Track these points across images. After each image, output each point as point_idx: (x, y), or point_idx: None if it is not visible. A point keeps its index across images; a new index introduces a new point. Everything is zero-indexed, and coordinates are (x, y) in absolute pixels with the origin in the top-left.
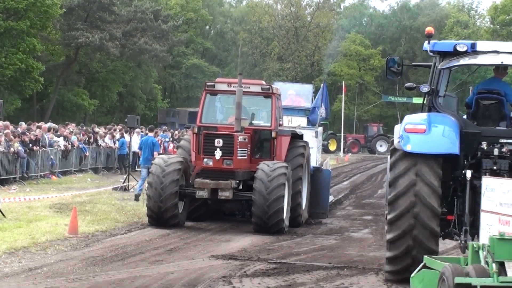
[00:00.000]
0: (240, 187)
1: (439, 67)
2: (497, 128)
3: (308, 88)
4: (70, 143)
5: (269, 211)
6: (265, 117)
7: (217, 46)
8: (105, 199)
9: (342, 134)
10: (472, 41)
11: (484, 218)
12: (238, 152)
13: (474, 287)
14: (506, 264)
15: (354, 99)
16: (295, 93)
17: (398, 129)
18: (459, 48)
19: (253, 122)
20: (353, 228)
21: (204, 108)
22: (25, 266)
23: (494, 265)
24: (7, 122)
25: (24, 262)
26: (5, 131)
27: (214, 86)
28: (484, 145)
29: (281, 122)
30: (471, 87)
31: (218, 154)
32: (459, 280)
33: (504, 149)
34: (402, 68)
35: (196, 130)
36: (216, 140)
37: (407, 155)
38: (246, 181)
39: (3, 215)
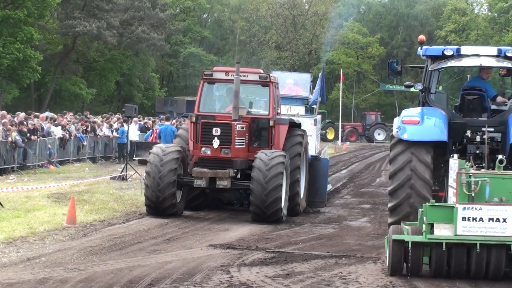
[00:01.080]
0: (238, 176)
1: (429, 69)
2: (479, 119)
3: (306, 77)
4: (68, 132)
5: (267, 200)
6: (263, 106)
7: (215, 35)
8: (103, 189)
9: (340, 123)
10: (457, 46)
11: (449, 192)
12: (236, 141)
13: (407, 243)
14: (435, 225)
15: (352, 87)
16: (293, 82)
17: (396, 121)
18: (446, 53)
19: (251, 110)
20: (351, 217)
21: (201, 97)
22: (23, 256)
23: (424, 226)
24: (4, 112)
25: (22, 252)
26: (3, 121)
27: (211, 75)
28: (468, 133)
29: (279, 111)
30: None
31: (216, 143)
32: (395, 237)
33: (485, 136)
34: (402, 69)
35: (194, 119)
36: (214, 129)
37: (404, 142)
38: (244, 170)
39: (1, 205)
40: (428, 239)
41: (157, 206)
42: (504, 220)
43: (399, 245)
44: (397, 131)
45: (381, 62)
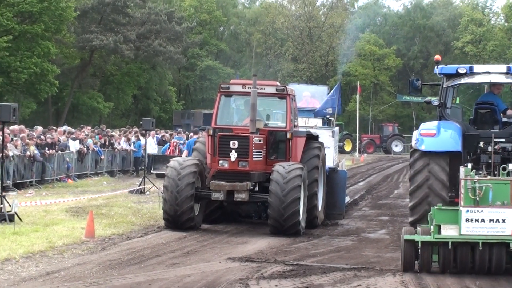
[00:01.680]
0: (256, 189)
1: (445, 86)
2: (491, 130)
3: (323, 89)
4: (85, 146)
5: (285, 214)
6: (280, 119)
7: (231, 48)
8: (121, 202)
9: (357, 135)
10: (470, 65)
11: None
12: (254, 153)
13: (417, 242)
14: (442, 226)
15: (369, 99)
16: (310, 95)
17: (415, 133)
18: (460, 71)
19: (268, 123)
20: (370, 229)
21: (218, 109)
22: (43, 270)
23: (432, 227)
24: (22, 126)
25: (42, 266)
26: (21, 135)
27: (228, 87)
28: (481, 144)
29: (296, 123)
30: None
31: (233, 155)
32: (407, 237)
33: (496, 147)
34: (421, 86)
35: (211, 132)
36: (231, 142)
37: (422, 153)
38: (262, 183)
39: (20, 219)
40: (436, 238)
41: (175, 220)
42: (503, 221)
43: (411, 244)
44: (415, 143)
45: (397, 74)
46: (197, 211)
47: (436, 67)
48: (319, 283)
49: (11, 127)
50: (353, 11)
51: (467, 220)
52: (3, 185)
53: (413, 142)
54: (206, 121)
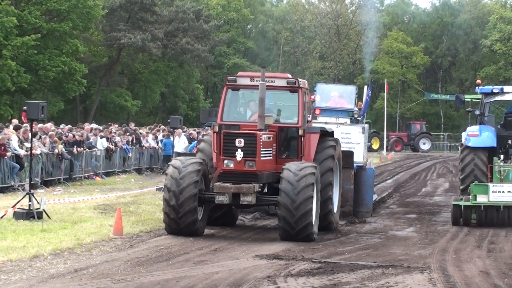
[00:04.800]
0: (265, 190)
1: (484, 101)
2: None
3: (351, 89)
4: (113, 144)
5: (296, 214)
6: (291, 114)
7: (259, 46)
8: (149, 200)
9: (385, 133)
10: (501, 86)
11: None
12: (262, 152)
13: (460, 206)
14: (477, 196)
15: (397, 97)
16: (338, 95)
17: (464, 134)
18: (494, 90)
19: (278, 119)
20: (398, 227)
21: (225, 104)
22: (71, 267)
23: (471, 196)
24: (51, 124)
25: (70, 263)
26: (50, 133)
27: (235, 80)
28: (510, 142)
29: (309, 119)
30: None
31: (239, 155)
32: (454, 202)
33: None
34: (465, 100)
35: (216, 128)
36: (237, 140)
37: (470, 147)
38: (272, 184)
39: (48, 216)
40: (473, 203)
41: (177, 222)
42: None
43: (457, 207)
44: (464, 141)
45: (425, 71)
46: (201, 215)
47: (477, 87)
48: (347, 281)
49: (40, 125)
50: (381, 9)
51: (493, 192)
52: (32, 182)
53: (463, 140)
54: None
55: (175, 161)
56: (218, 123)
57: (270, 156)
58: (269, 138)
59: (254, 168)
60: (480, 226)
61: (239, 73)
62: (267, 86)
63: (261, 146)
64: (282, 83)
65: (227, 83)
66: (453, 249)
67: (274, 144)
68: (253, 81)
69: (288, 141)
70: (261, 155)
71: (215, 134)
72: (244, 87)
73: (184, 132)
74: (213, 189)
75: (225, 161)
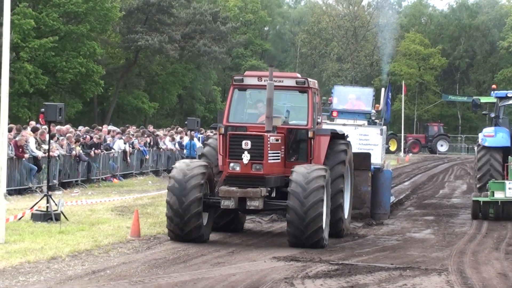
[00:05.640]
0: (273, 194)
1: (499, 105)
2: None
3: (369, 91)
4: (131, 145)
5: (306, 218)
6: (300, 115)
7: (276, 47)
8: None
9: (402, 134)
10: None
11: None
12: (269, 155)
13: (479, 202)
14: (495, 192)
15: (414, 98)
16: (355, 97)
17: (480, 135)
18: (508, 95)
19: (287, 120)
20: (415, 229)
21: (231, 105)
22: (88, 269)
23: (489, 192)
24: (68, 126)
25: (87, 265)
26: (67, 135)
27: (242, 80)
28: None
29: (319, 120)
30: None
31: (246, 157)
32: (474, 198)
33: None
34: (481, 104)
35: (222, 130)
36: (243, 142)
37: (486, 147)
38: (280, 188)
39: (66, 218)
40: (491, 199)
41: (181, 228)
42: None
43: (476, 203)
44: (481, 141)
45: (443, 73)
46: (205, 221)
47: (492, 91)
48: (364, 283)
49: (58, 127)
50: (399, 11)
51: (509, 188)
52: (49, 184)
53: (480, 141)
54: None
55: (179, 163)
56: (224, 124)
57: (278, 159)
58: (277, 140)
59: (262, 171)
60: (497, 220)
61: (246, 73)
62: (275, 86)
63: (268, 149)
64: (291, 83)
65: (234, 83)
66: (470, 251)
67: (283, 147)
68: (261, 80)
69: (297, 144)
70: (269, 158)
71: (221, 136)
72: (252, 87)
73: (201, 134)
74: (219, 194)
75: (231, 164)
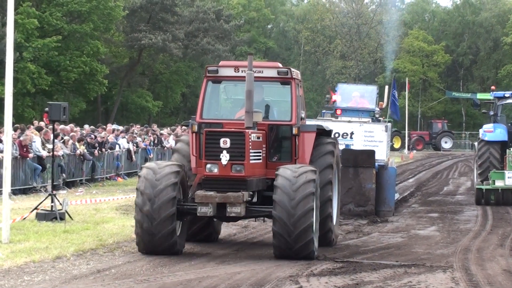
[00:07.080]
0: (255, 199)
1: (497, 104)
2: None
3: (372, 89)
4: (135, 144)
5: (295, 230)
6: (283, 110)
7: (280, 45)
8: None
9: (406, 131)
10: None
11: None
12: (251, 154)
13: (482, 189)
14: (496, 181)
15: (418, 95)
16: (359, 95)
17: (481, 131)
18: (506, 95)
19: (268, 115)
20: (420, 226)
21: (205, 99)
22: (93, 268)
23: (490, 181)
24: (72, 125)
25: (92, 264)
26: (71, 134)
27: (217, 71)
28: None
29: (303, 115)
30: None
31: (224, 158)
32: (477, 186)
33: None
34: (480, 103)
35: (196, 128)
36: (221, 140)
37: (486, 141)
38: (262, 192)
39: (70, 217)
40: (492, 187)
41: (151, 233)
42: None
43: (480, 190)
44: (481, 136)
45: (446, 70)
46: (179, 230)
47: (491, 92)
48: (369, 280)
49: (61, 126)
50: (402, 8)
51: (509, 177)
52: (54, 183)
53: (480, 136)
54: None
55: (149, 163)
56: (198, 121)
57: (260, 159)
58: (258, 137)
59: (243, 173)
60: (497, 205)
61: (222, 63)
62: (254, 77)
63: (250, 147)
64: (272, 73)
65: (207, 75)
66: (475, 248)
67: (264, 145)
68: (238, 71)
69: (279, 142)
70: (250, 158)
71: (194, 134)
72: (227, 78)
73: None
74: (194, 199)
75: (208, 166)
